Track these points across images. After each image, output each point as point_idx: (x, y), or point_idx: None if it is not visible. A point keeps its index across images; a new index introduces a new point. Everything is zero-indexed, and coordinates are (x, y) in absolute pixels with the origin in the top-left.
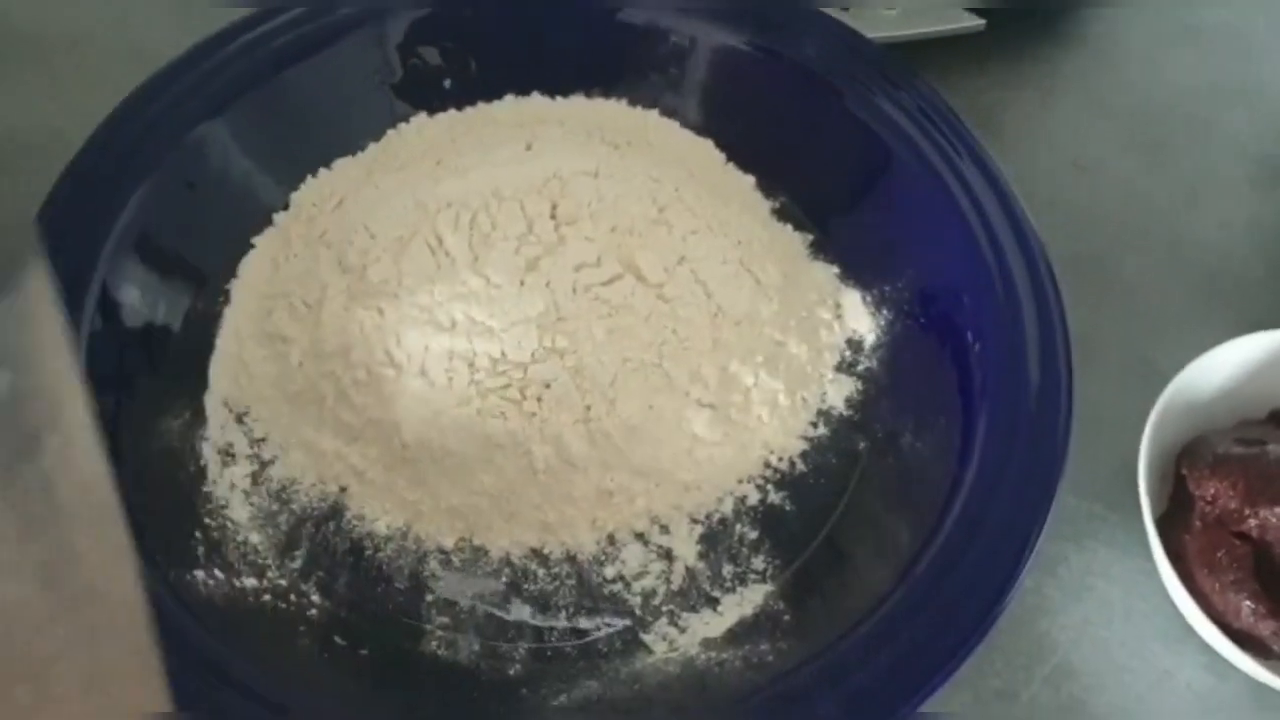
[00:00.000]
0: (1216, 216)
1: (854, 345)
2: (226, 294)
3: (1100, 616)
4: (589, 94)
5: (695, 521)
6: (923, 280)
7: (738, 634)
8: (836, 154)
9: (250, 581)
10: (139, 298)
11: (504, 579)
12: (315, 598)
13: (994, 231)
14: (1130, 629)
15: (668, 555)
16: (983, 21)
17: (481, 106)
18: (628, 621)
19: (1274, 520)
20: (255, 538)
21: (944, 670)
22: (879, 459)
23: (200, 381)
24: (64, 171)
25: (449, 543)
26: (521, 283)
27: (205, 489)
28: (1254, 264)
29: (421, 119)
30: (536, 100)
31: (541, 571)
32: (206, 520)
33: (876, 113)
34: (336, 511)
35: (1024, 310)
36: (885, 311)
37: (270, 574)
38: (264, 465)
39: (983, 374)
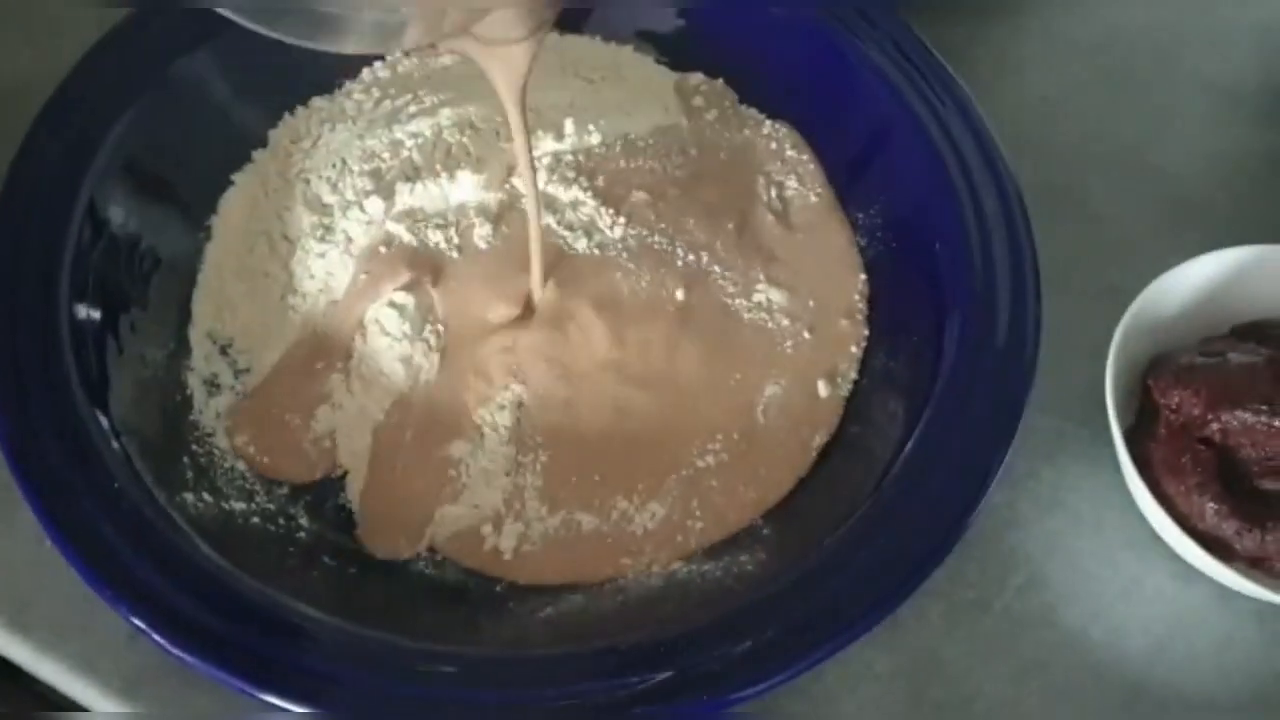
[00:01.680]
0: (1181, 148)
1: None
2: (208, 229)
3: (1070, 529)
4: (562, 30)
5: None
6: (894, 207)
7: (718, 548)
8: (810, 88)
9: (239, 505)
10: (125, 221)
11: None
12: (303, 520)
13: (964, 159)
14: (1099, 540)
15: None
16: None
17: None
18: None
19: (1235, 424)
20: (241, 465)
21: (916, 576)
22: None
23: (183, 315)
24: (53, 94)
25: None
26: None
27: (191, 418)
28: (1217, 193)
29: (397, 57)
30: None
31: None
32: (194, 447)
33: (852, 47)
34: None
35: (993, 234)
36: (858, 238)
37: (258, 498)
38: (248, 396)
39: (953, 295)
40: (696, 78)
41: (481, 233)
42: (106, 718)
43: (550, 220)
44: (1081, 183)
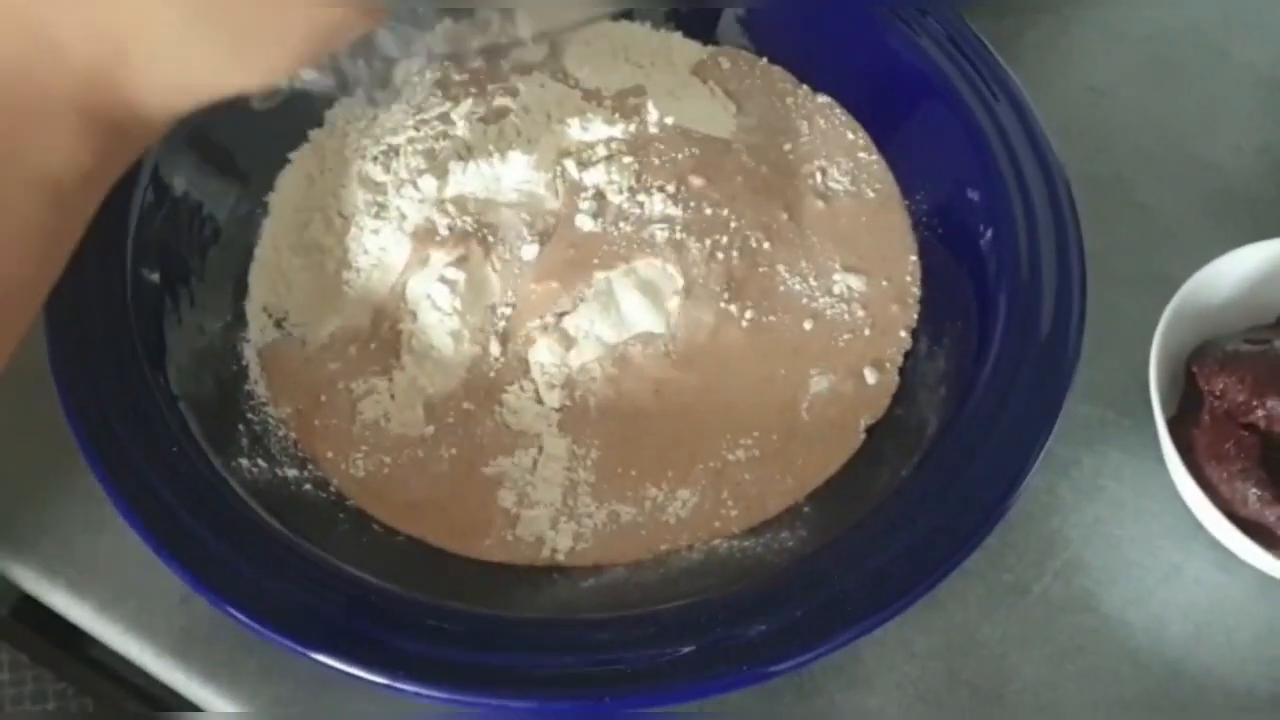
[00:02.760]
0: (1229, 140)
1: None
2: (265, 206)
3: (1111, 515)
4: (614, 16)
5: None
6: (941, 194)
7: (758, 526)
8: (862, 76)
9: (291, 472)
10: (187, 190)
11: None
12: None
13: (1013, 148)
14: (1140, 527)
15: None
16: None
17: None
18: None
19: None
20: (295, 435)
21: (955, 556)
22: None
23: (240, 288)
24: None
25: None
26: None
27: (247, 388)
28: (1265, 185)
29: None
30: None
31: None
32: (249, 415)
33: (902, 37)
34: None
35: (1040, 222)
36: None
37: (310, 466)
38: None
39: (999, 282)
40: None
41: (531, 211)
42: (222, 718)
43: (602, 200)
44: (1128, 173)
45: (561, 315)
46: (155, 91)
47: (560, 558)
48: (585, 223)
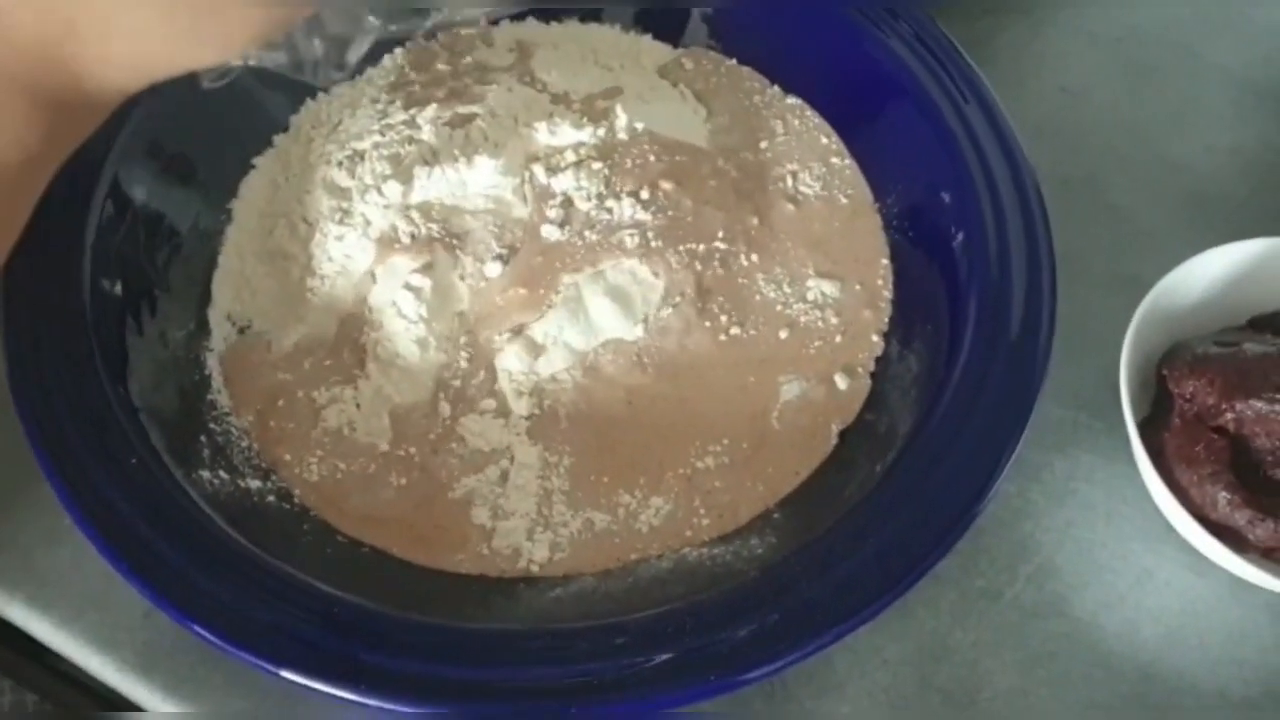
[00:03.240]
0: (1201, 140)
1: None
2: (228, 213)
3: (1083, 519)
4: (583, 19)
5: None
6: (912, 196)
7: (728, 533)
8: (831, 78)
9: (254, 483)
10: (147, 200)
11: None
12: None
13: (982, 149)
14: (1112, 530)
15: None
16: None
17: (477, 30)
18: None
19: (1250, 413)
20: (255, 441)
21: (926, 562)
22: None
23: (203, 296)
24: None
25: None
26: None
27: (210, 397)
28: (1237, 186)
29: (417, 43)
30: (530, 24)
31: None
32: (211, 425)
33: (871, 38)
34: None
35: (1010, 224)
36: None
37: (273, 477)
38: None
39: (969, 284)
40: (699, 52)
41: (498, 217)
42: (162, 718)
43: (570, 207)
44: (1100, 174)
45: (529, 322)
46: (105, 70)
47: (535, 569)
48: (553, 229)
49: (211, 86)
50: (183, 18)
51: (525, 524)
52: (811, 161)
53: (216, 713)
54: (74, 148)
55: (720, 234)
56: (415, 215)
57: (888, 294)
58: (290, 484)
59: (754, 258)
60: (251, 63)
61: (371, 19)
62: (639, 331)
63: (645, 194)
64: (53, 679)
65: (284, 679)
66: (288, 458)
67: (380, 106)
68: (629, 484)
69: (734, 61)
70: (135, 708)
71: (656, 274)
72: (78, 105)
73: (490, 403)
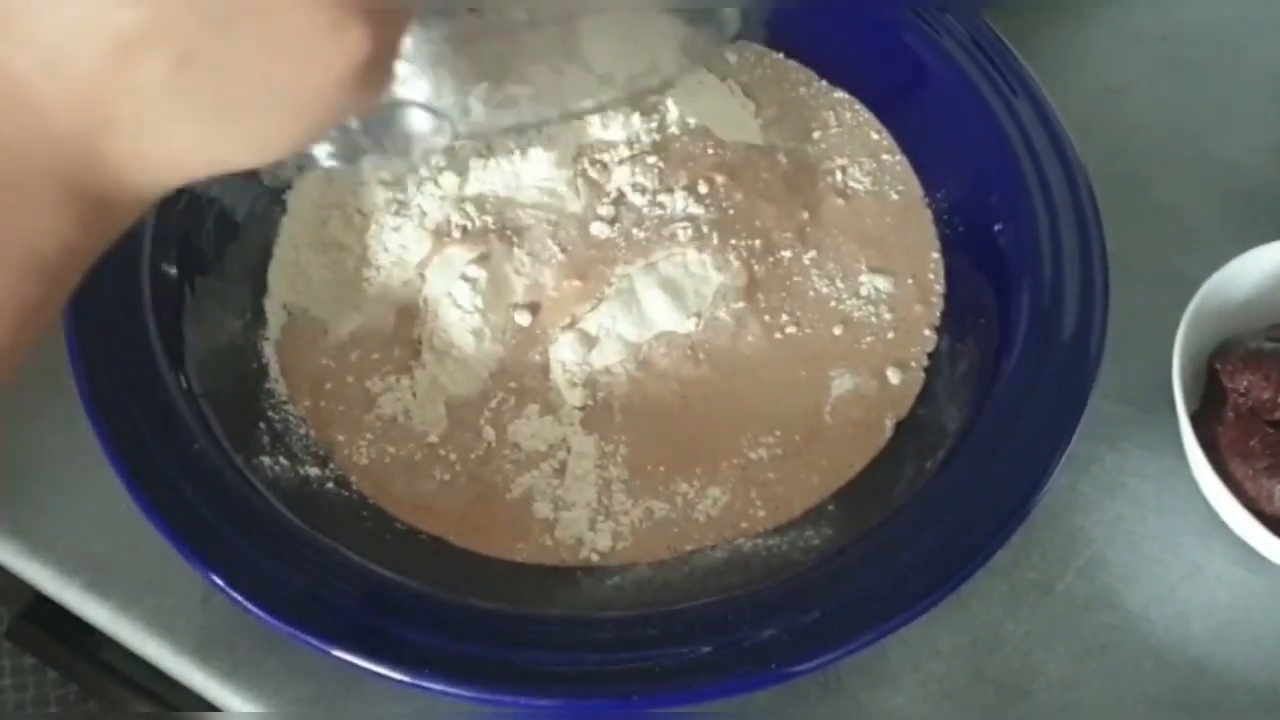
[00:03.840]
0: (1246, 139)
1: None
2: (283, 203)
3: (1133, 513)
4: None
5: None
6: (962, 191)
7: (783, 525)
8: (881, 74)
9: (313, 470)
10: (207, 185)
11: None
12: None
13: (1034, 146)
14: (1162, 524)
15: None
16: None
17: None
18: None
19: None
20: (315, 432)
21: (979, 555)
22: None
23: (259, 285)
24: None
25: None
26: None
27: (267, 385)
28: None
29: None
30: None
31: None
32: (269, 413)
33: (922, 36)
34: None
35: (1061, 222)
36: None
37: (332, 464)
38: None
39: (1021, 281)
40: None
41: (552, 209)
42: (236, 717)
43: (623, 201)
44: (1144, 172)
45: (583, 313)
46: (140, 166)
47: (596, 558)
48: (606, 223)
49: (273, 185)
50: (214, 120)
51: (587, 514)
52: (862, 157)
53: (282, 711)
54: (110, 241)
55: (773, 228)
56: (470, 207)
57: (939, 289)
58: (344, 469)
59: (808, 253)
60: (306, 164)
61: (446, 123)
62: (691, 325)
63: (700, 188)
64: (97, 671)
65: (340, 660)
66: (340, 439)
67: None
68: (686, 473)
69: (780, 55)
70: (181, 698)
71: (709, 264)
72: (113, 199)
73: (534, 407)
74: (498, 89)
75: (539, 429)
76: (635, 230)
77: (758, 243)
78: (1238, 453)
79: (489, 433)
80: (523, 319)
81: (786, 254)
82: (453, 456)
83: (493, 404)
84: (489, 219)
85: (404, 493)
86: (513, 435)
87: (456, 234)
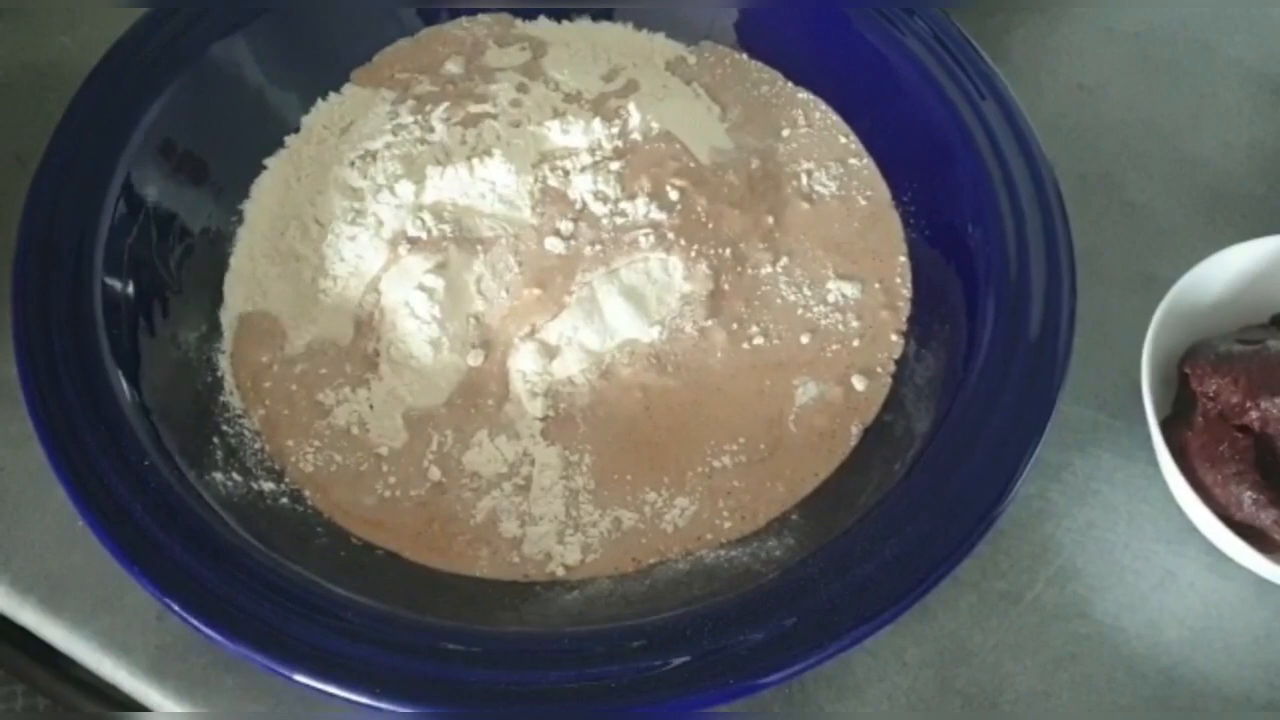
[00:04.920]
0: (1218, 137)
1: None
2: (240, 214)
3: (1104, 520)
4: (594, 17)
5: None
6: (930, 194)
7: (747, 535)
8: (847, 76)
9: (267, 485)
10: (159, 200)
11: None
12: None
13: (1000, 147)
14: (1133, 531)
15: None
16: None
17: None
18: None
19: (1275, 411)
20: (268, 445)
21: (945, 564)
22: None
23: (215, 297)
24: (91, 73)
25: None
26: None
27: (222, 399)
28: (1255, 183)
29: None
30: (542, 23)
31: None
32: (224, 427)
33: (886, 35)
34: None
35: (1028, 223)
36: None
37: (286, 479)
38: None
39: (987, 283)
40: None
41: (511, 217)
42: (170, 718)
43: (583, 208)
44: (1117, 171)
45: (544, 323)
46: None
47: (562, 572)
48: (567, 229)
49: None
50: None
51: (555, 527)
52: (828, 161)
53: (229, 713)
54: None
55: (739, 234)
56: (427, 216)
57: (906, 292)
58: (294, 479)
59: (776, 260)
60: None
61: None
62: (655, 333)
63: (659, 194)
64: (65, 684)
65: (296, 682)
66: (290, 443)
67: (392, 106)
68: (654, 482)
69: (743, 55)
70: (145, 711)
71: (673, 269)
72: None
73: (483, 433)
74: None
75: (493, 453)
76: (597, 238)
77: (726, 251)
78: (1207, 458)
79: (434, 473)
80: (481, 329)
81: (753, 261)
82: (400, 476)
83: (433, 446)
84: (447, 227)
85: (348, 502)
86: (469, 466)
87: (414, 243)
